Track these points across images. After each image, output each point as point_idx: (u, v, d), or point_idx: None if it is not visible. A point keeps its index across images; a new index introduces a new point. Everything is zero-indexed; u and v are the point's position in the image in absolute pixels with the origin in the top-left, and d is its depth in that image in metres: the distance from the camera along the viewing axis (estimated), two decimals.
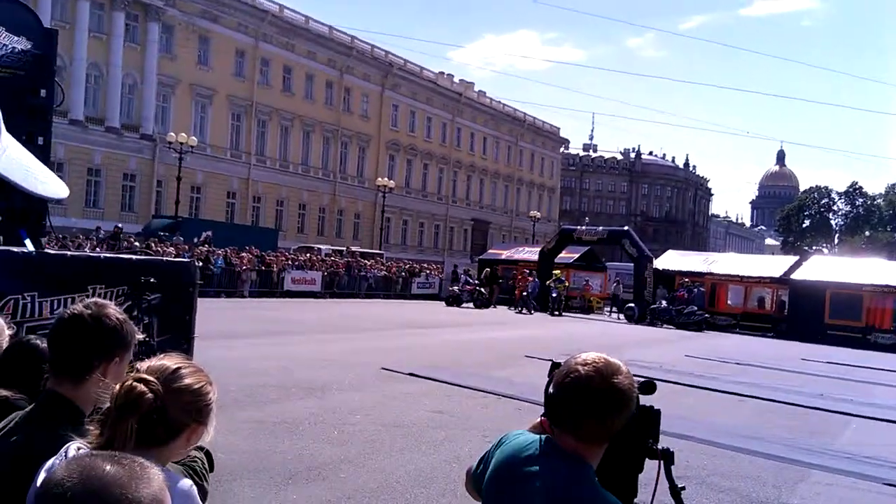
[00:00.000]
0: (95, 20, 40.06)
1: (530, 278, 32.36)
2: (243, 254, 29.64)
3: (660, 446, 2.06)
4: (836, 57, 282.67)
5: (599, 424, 1.80)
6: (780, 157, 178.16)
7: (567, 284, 32.49)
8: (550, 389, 1.87)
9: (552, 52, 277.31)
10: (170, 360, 1.75)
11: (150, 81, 42.50)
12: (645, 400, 2.06)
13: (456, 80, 68.98)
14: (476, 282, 33.69)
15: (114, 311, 2.04)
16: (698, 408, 10.35)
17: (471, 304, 31.25)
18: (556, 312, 30.01)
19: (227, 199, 47.86)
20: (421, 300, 34.77)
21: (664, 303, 29.39)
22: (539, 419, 1.99)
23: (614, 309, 33.34)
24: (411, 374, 11.20)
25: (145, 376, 1.67)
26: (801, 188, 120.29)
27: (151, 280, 6.01)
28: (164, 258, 9.91)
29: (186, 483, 1.68)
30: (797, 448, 8.45)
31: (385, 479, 6.13)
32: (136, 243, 25.51)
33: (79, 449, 1.63)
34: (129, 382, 1.65)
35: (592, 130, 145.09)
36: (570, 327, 24.23)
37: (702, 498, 6.30)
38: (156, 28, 42.48)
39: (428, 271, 40.19)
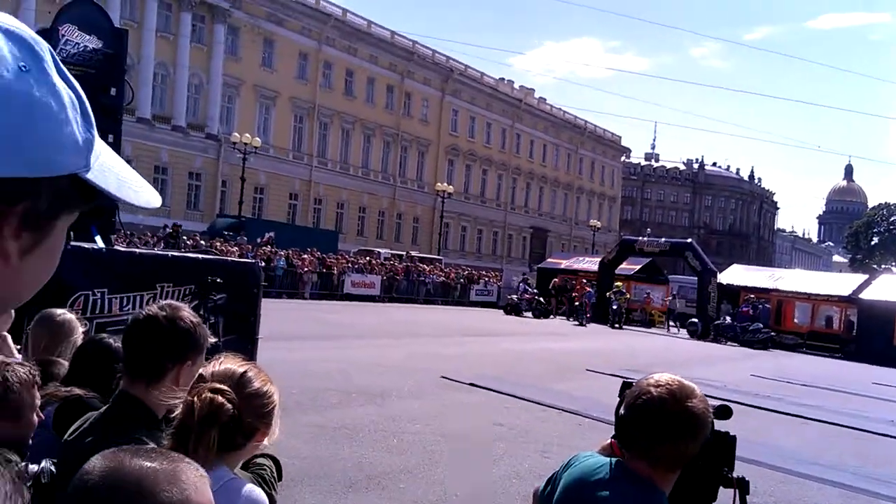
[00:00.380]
0: (163, 20, 41.04)
1: (588, 288, 31.97)
2: (305, 255, 29.93)
3: (735, 474, 2.00)
4: None
5: (672, 449, 1.76)
6: (849, 171, 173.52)
7: (628, 297, 31.96)
8: (622, 411, 1.82)
9: (614, 60, 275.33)
10: (233, 364, 1.77)
11: (216, 82, 43.33)
12: (720, 425, 1.98)
13: (516, 86, 68.78)
14: (536, 290, 33.40)
15: (188, 313, 2.04)
16: (762, 430, 9.96)
17: (529, 314, 31.00)
18: (617, 325, 29.53)
19: (289, 200, 48.48)
20: (479, 307, 34.63)
21: (728, 319, 28.67)
22: (609, 440, 1.95)
23: (675, 323, 32.66)
24: (472, 384, 11.05)
25: (220, 387, 1.68)
26: (870, 204, 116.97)
27: (218, 280, 6.01)
28: (230, 258, 9.99)
29: (255, 491, 1.71)
30: (866, 477, 8.10)
31: (444, 493, 6.01)
32: (202, 242, 25.91)
33: None
34: (208, 395, 1.66)
35: (654, 140, 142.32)
36: (630, 341, 23.81)
37: None
38: (222, 29, 43.33)
39: (486, 278, 40.06)
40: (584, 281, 33.74)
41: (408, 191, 56.43)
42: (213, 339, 2.11)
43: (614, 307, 29.87)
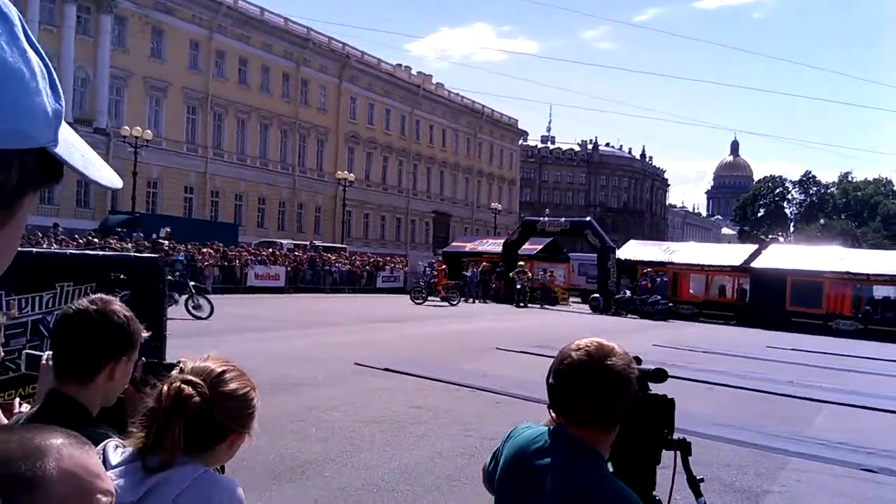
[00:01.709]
0: (46, 12, 39.06)
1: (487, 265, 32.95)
2: (205, 249, 29.17)
3: (676, 436, 2.03)
4: (786, 47, 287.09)
5: (598, 409, 1.79)
6: (735, 147, 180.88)
7: (530, 276, 32.56)
8: (550, 379, 1.85)
9: (507, 44, 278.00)
10: (214, 363, 1.71)
11: (103, 74, 41.60)
12: (656, 388, 2.04)
13: (414, 72, 68.77)
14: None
15: (120, 307, 1.95)
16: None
17: (436, 298, 31.16)
18: (522, 304, 30.05)
19: (184, 193, 47.11)
20: (386, 294, 34.60)
21: (628, 292, 29.58)
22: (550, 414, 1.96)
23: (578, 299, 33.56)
24: (386, 370, 11.06)
25: (193, 379, 1.63)
26: (756, 178, 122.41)
27: (121, 276, 5.79)
28: (133, 254, 9.64)
29: (239, 490, 1.65)
30: (772, 435, 8.50)
31: (369, 477, 6.01)
32: (96, 240, 24.93)
33: (116, 447, 1.60)
34: (178, 384, 1.61)
35: (550, 122, 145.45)
36: (536, 319, 24.27)
37: (684, 488, 6.28)
38: (108, 20, 41.61)
39: (392, 265, 40.03)
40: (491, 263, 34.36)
41: (308, 180, 55.67)
42: (146, 334, 2.01)
43: (518, 286, 30.41)
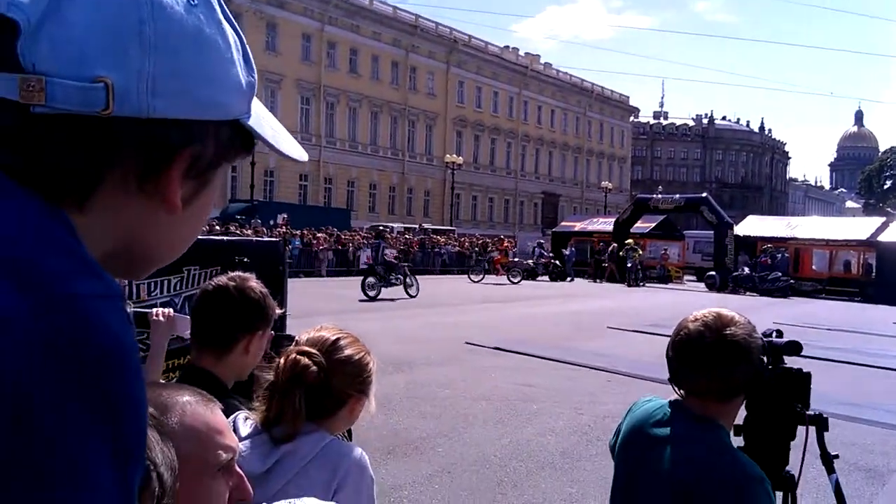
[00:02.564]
0: None
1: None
2: (320, 234, 30.03)
3: (812, 411, 1.96)
4: None
5: (717, 379, 1.75)
6: (859, 117, 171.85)
7: (641, 252, 31.89)
8: (669, 352, 1.82)
9: (618, 19, 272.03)
10: (328, 332, 1.76)
11: None
12: (791, 362, 1.97)
13: (521, 53, 68.33)
14: (551, 254, 33.61)
15: (256, 284, 2.02)
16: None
17: (546, 277, 31.09)
18: (634, 283, 29.52)
19: (299, 181, 48.58)
20: (495, 274, 34.70)
21: (746, 270, 28.61)
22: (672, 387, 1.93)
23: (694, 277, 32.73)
24: (496, 349, 11.14)
25: (308, 349, 1.69)
26: (881, 148, 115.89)
27: (245, 259, 6.07)
28: (254, 238, 10.08)
29: (364, 457, 1.70)
30: None
31: (481, 453, 6.08)
32: (217, 227, 26.06)
33: (246, 419, 1.66)
34: (294, 356, 1.67)
35: (663, 97, 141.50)
36: (649, 297, 23.82)
37: (808, 467, 6.10)
38: None
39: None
40: (603, 243, 33.94)
41: (417, 164, 56.38)
42: (279, 311, 2.10)
43: (629, 265, 29.86)
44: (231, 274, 2.04)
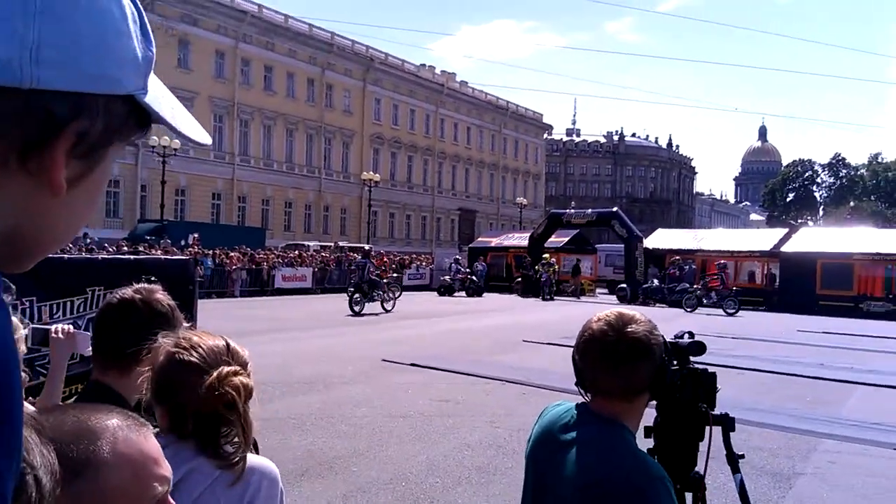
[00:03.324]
0: None
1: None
2: (232, 254, 29.49)
3: (718, 411, 2.00)
4: (812, 30, 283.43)
5: (620, 377, 1.75)
6: (762, 132, 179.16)
7: (557, 268, 32.48)
8: (575, 355, 1.84)
9: (531, 39, 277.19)
10: (213, 339, 1.67)
11: None
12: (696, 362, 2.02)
13: (437, 71, 68.85)
14: (468, 270, 33.93)
15: (163, 296, 1.94)
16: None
17: (463, 293, 31.28)
18: (547, 297, 29.97)
19: (212, 200, 47.63)
20: (412, 291, 34.68)
21: (656, 282, 29.41)
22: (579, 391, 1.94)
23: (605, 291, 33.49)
24: (413, 365, 11.15)
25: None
26: (784, 162, 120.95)
27: (152, 279, 5.92)
28: (163, 256, 9.80)
29: (268, 464, 1.66)
30: (805, 418, 8.48)
31: (398, 471, 6.08)
32: (126, 248, 25.31)
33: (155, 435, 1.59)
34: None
35: (575, 115, 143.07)
36: (563, 311, 24.20)
37: (717, 472, 6.29)
38: None
39: (418, 262, 40.12)
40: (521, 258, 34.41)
41: (334, 182, 56.00)
42: (187, 324, 1.99)
43: (543, 279, 30.35)
44: (136, 286, 1.95)
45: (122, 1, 0.58)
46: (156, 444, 0.85)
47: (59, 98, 0.54)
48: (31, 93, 0.52)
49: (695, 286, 27.62)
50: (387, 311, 21.23)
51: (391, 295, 22.11)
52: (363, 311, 20.52)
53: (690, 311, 25.17)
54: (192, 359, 1.59)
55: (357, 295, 20.91)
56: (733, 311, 24.87)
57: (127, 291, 1.92)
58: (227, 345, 1.66)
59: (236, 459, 1.56)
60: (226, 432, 1.57)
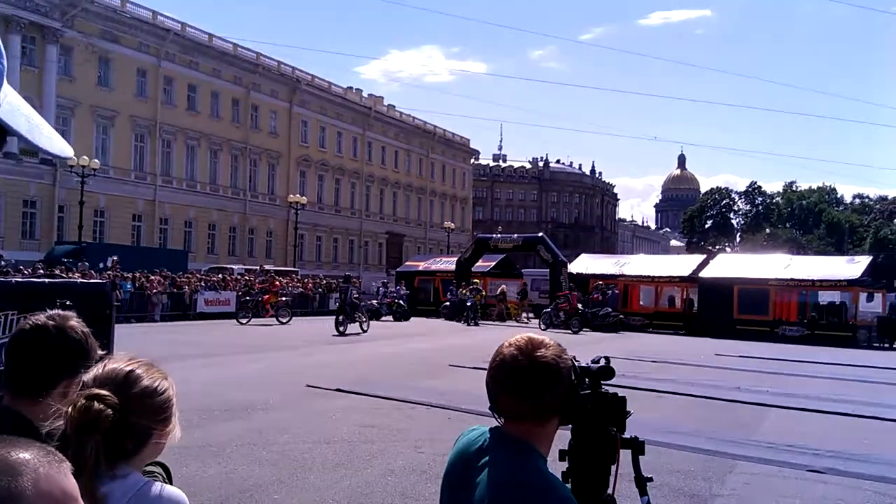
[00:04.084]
0: None
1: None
2: (153, 277, 28.75)
3: (628, 435, 2.03)
4: (728, 61, 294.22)
5: (529, 401, 1.78)
6: (682, 160, 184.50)
7: (484, 293, 32.66)
8: (487, 380, 1.85)
9: (457, 65, 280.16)
10: (119, 363, 1.65)
11: (49, 105, 40.78)
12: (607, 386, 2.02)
13: (365, 94, 68.92)
14: (394, 292, 33.92)
15: (78, 323, 1.91)
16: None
17: (390, 317, 31.17)
18: (472, 322, 29.95)
19: (132, 221, 46.40)
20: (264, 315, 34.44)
21: (579, 306, 29.81)
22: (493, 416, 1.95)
23: (530, 315, 33.82)
24: (338, 390, 11.03)
25: (99, 392, 1.56)
26: (702, 190, 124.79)
27: (68, 303, 5.73)
28: (79, 280, 9.45)
29: (167, 488, 1.61)
30: (721, 440, 8.66)
31: (320, 498, 5.98)
32: (41, 270, 24.44)
33: None
34: (83, 402, 1.53)
35: (501, 141, 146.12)
36: (489, 335, 24.29)
37: (634, 495, 6.37)
38: (54, 50, 40.93)
39: None
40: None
41: (259, 204, 55.27)
42: (102, 352, 1.95)
43: (469, 304, 30.39)
44: (50, 312, 1.91)
45: None
46: (73, 481, 0.84)
47: None
48: None
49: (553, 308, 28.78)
50: (364, 332, 23.24)
51: (367, 316, 24.71)
52: (346, 332, 22.61)
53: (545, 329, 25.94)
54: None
55: (341, 317, 23.13)
56: (577, 329, 26.70)
57: (40, 317, 1.89)
58: (129, 372, 1.63)
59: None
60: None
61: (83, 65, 43.12)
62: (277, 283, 28.93)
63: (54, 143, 0.64)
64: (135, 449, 1.61)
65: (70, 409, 1.53)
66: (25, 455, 0.78)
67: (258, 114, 55.33)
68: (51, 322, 1.87)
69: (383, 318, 30.84)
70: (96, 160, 37.58)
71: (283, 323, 26.35)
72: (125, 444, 1.58)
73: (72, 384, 1.82)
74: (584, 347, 20.14)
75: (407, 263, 44.14)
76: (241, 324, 25.15)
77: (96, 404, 1.53)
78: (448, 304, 33.10)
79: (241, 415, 9.01)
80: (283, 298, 28.17)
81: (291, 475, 6.57)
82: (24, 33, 39.69)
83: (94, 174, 35.62)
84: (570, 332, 25.93)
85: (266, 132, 55.93)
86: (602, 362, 2.05)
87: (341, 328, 22.73)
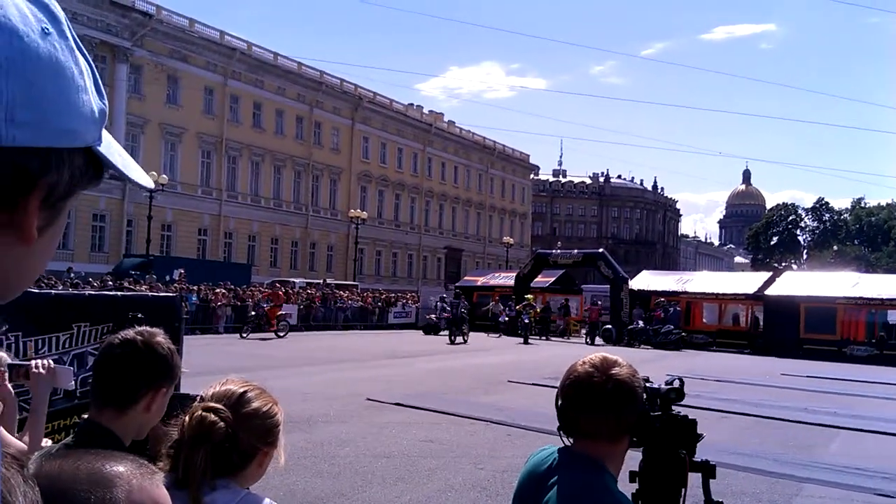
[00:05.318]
0: None
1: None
2: (218, 289, 29.38)
3: (698, 458, 2.02)
4: (794, 76, 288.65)
5: (604, 419, 1.80)
6: (746, 176, 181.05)
7: (538, 309, 32.33)
8: (558, 400, 1.87)
9: (517, 81, 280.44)
10: (234, 385, 1.75)
11: (119, 122, 42.13)
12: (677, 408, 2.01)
13: (425, 111, 69.46)
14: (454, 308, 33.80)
15: (164, 339, 1.97)
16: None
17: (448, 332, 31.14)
18: (527, 337, 29.52)
19: (198, 235, 47.53)
20: (398, 329, 34.62)
21: (641, 323, 29.46)
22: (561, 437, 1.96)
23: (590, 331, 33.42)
24: (397, 404, 11.11)
25: (214, 405, 1.66)
26: (768, 206, 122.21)
27: (139, 315, 5.91)
28: (149, 293, 9.77)
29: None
30: (788, 462, 8.48)
31: None
32: (110, 283, 25.19)
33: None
34: (199, 413, 1.64)
35: (561, 156, 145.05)
36: (548, 351, 24.21)
37: None
38: (124, 69, 42.27)
39: (404, 300, 40.06)
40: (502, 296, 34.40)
41: (321, 219, 56.10)
42: (185, 370, 2.04)
43: (526, 321, 30.01)
44: (138, 328, 1.98)
45: (78, 60, 0.61)
46: (165, 492, 0.88)
47: (30, 154, 0.56)
48: (7, 151, 0.55)
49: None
50: (465, 343, 26.35)
51: (467, 328, 27.92)
52: (456, 341, 26.11)
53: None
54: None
55: (454, 328, 26.69)
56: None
57: (129, 332, 1.95)
58: (244, 392, 1.73)
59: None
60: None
61: (152, 83, 44.43)
62: (282, 295, 28.37)
63: (140, 175, 0.71)
64: (240, 464, 1.68)
65: (187, 419, 1.64)
66: (119, 468, 0.81)
67: (321, 130, 56.22)
68: (139, 337, 1.92)
69: (441, 333, 30.85)
70: (164, 175, 38.63)
71: (280, 336, 25.35)
72: (232, 458, 1.66)
73: (155, 399, 1.89)
74: (647, 365, 19.88)
75: (465, 278, 44.17)
76: (243, 337, 24.53)
77: (211, 416, 1.63)
78: (506, 318, 32.96)
79: (303, 427, 9.13)
80: (283, 313, 27.30)
81: (352, 488, 6.65)
82: (95, 53, 41.04)
83: (162, 189, 36.60)
84: (607, 345, 26.43)
85: (328, 148, 56.79)
86: (676, 384, 2.05)
87: (453, 337, 26.27)
